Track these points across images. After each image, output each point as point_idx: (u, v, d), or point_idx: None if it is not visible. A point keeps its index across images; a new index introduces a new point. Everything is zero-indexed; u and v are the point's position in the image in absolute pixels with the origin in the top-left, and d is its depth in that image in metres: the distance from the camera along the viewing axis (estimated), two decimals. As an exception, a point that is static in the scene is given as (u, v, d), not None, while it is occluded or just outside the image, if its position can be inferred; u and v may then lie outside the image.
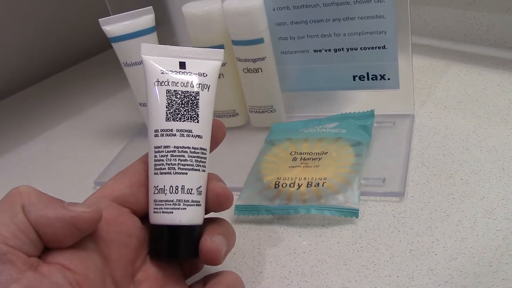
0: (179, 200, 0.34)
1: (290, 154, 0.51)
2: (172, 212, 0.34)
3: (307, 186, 0.46)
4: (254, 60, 0.54)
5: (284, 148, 0.52)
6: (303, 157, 0.50)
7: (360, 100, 0.59)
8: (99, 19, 0.55)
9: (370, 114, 0.54)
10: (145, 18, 0.56)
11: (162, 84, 0.36)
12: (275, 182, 0.47)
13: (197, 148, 0.35)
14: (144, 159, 0.37)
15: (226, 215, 0.47)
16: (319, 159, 0.49)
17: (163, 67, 0.37)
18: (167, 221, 0.34)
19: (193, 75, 0.37)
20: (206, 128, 0.36)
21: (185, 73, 0.37)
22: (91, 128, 0.69)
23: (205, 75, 0.37)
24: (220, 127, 0.38)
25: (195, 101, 0.36)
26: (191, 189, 0.35)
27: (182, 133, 0.35)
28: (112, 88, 0.76)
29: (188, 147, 0.35)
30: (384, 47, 0.52)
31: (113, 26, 0.55)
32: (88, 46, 0.90)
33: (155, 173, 0.35)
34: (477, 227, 0.41)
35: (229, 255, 0.38)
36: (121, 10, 0.56)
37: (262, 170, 0.49)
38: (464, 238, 0.40)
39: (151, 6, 0.56)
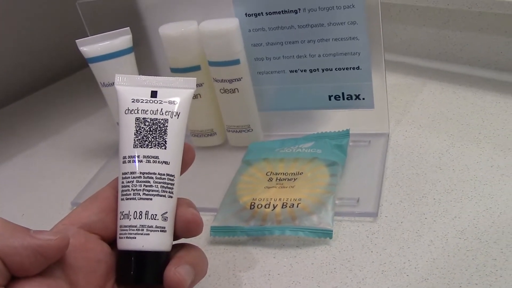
0: (142, 225, 0.35)
1: (266, 174, 0.51)
2: (135, 238, 0.34)
3: (282, 207, 0.46)
4: (230, 81, 0.54)
5: (260, 168, 0.52)
6: (278, 178, 0.50)
7: (336, 119, 0.59)
8: (76, 40, 0.55)
9: (345, 134, 0.55)
10: (123, 39, 0.56)
11: (132, 112, 0.37)
12: (251, 203, 0.47)
13: (164, 174, 0.36)
14: (113, 185, 0.37)
15: (201, 236, 0.47)
16: (295, 179, 0.49)
17: (134, 96, 0.37)
18: (131, 246, 0.34)
19: (163, 103, 0.37)
20: (175, 155, 0.37)
21: (156, 102, 0.37)
22: (70, 147, 0.68)
23: (175, 102, 0.37)
24: (189, 150, 0.38)
25: (163, 128, 0.37)
26: (155, 214, 0.35)
27: (149, 159, 0.36)
28: (91, 106, 0.76)
29: (154, 173, 0.36)
30: (358, 67, 0.53)
31: (90, 47, 0.56)
32: (67, 64, 0.90)
33: (121, 199, 0.36)
34: (448, 247, 0.42)
35: (204, 277, 0.38)
36: (99, 30, 0.56)
37: (238, 191, 0.50)
38: (435, 258, 0.41)
39: (128, 27, 0.56)
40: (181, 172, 0.38)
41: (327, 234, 0.44)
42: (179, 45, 0.54)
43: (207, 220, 0.49)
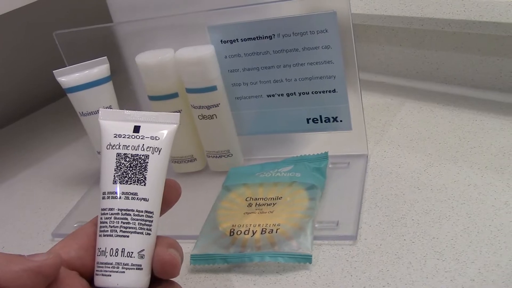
0: (118, 263, 0.34)
1: (246, 200, 0.51)
2: (111, 275, 0.34)
3: (262, 233, 0.46)
4: (208, 107, 0.55)
5: (240, 193, 0.52)
6: (258, 203, 0.50)
7: (315, 142, 0.60)
8: (53, 71, 0.55)
9: (324, 157, 0.55)
10: (100, 68, 0.56)
11: (114, 147, 0.37)
12: (230, 229, 0.47)
13: (142, 211, 0.36)
14: (95, 221, 0.37)
15: (183, 264, 0.47)
16: (274, 204, 0.50)
17: (117, 131, 0.37)
18: (106, 284, 0.34)
19: (145, 138, 0.37)
20: (154, 191, 0.36)
21: (138, 137, 0.37)
22: (51, 176, 0.68)
23: (157, 138, 0.37)
24: (174, 188, 0.38)
25: (144, 164, 0.36)
26: (132, 252, 0.35)
27: (127, 195, 0.36)
28: (71, 135, 0.76)
29: (132, 210, 0.35)
30: (334, 90, 0.54)
31: (68, 77, 0.56)
32: (45, 94, 0.90)
33: (99, 235, 0.35)
34: (427, 269, 0.42)
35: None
36: (76, 60, 0.56)
37: (218, 217, 0.50)
38: (414, 281, 0.41)
39: (105, 57, 0.57)
40: (164, 210, 0.38)
41: (306, 259, 0.44)
42: (156, 73, 0.55)
43: (188, 247, 0.49)
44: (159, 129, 0.38)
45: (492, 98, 0.64)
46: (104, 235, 0.35)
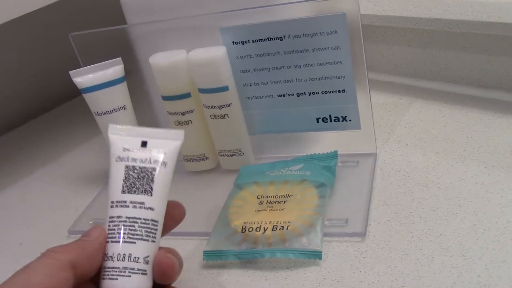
0: (124, 267, 0.36)
1: (257, 197, 0.52)
2: (117, 279, 0.36)
3: (273, 230, 0.47)
4: (220, 107, 0.56)
5: (251, 191, 0.53)
6: (269, 200, 0.51)
7: (325, 141, 0.61)
8: (69, 72, 0.57)
9: (334, 155, 0.56)
10: (115, 69, 0.58)
11: (122, 160, 0.39)
12: (242, 226, 0.49)
13: (148, 220, 0.38)
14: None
15: (195, 260, 0.48)
16: (284, 202, 0.51)
17: (125, 145, 0.39)
18: (113, 287, 0.36)
19: (152, 153, 0.39)
20: (160, 202, 0.39)
21: (145, 151, 0.39)
22: (65, 175, 0.70)
23: (164, 153, 0.40)
24: (178, 207, 0.41)
25: (151, 176, 0.39)
26: (138, 257, 0.37)
27: (135, 204, 0.38)
28: (85, 134, 0.77)
29: (139, 218, 0.37)
30: (343, 90, 0.55)
31: (83, 77, 0.57)
32: (60, 93, 0.92)
33: (107, 241, 0.37)
34: (434, 265, 0.43)
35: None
36: (92, 61, 0.58)
37: (230, 215, 0.51)
38: (421, 276, 0.42)
39: (120, 58, 0.58)
40: (170, 228, 0.40)
41: (316, 255, 0.45)
42: (169, 74, 0.56)
43: (201, 244, 0.50)
44: (165, 145, 0.40)
45: (499, 98, 0.65)
46: (112, 241, 0.37)
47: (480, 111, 0.63)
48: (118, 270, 0.36)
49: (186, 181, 0.61)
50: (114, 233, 0.37)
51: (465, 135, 0.59)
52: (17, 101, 0.89)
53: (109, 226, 0.38)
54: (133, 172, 0.38)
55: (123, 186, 0.38)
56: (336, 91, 0.55)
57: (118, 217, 0.37)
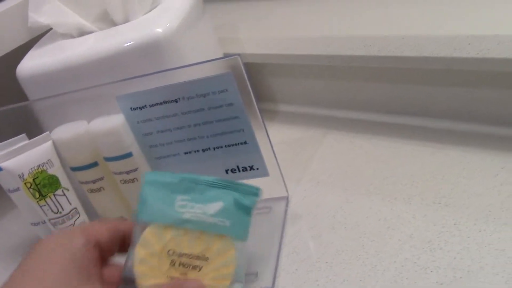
0: None
1: (168, 253, 0.50)
2: None
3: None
4: (128, 172, 0.57)
5: (160, 237, 0.48)
6: (182, 262, 0.51)
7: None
8: (-25, 153, 0.57)
9: (255, 193, 0.50)
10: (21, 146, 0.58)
11: None
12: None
13: None
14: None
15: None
16: (200, 268, 0.49)
17: None
18: None
19: None
20: None
21: None
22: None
23: None
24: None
25: None
26: None
27: None
28: (4, 208, 0.76)
29: None
30: (245, 142, 0.56)
31: (-12, 157, 0.57)
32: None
33: None
34: (336, 315, 0.44)
35: None
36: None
37: (137, 267, 0.47)
38: (323, 328, 0.43)
39: (24, 134, 0.58)
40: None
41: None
42: (73, 147, 0.56)
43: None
44: None
45: (403, 122, 0.67)
46: None
47: (388, 139, 0.64)
48: None
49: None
50: None
51: (372, 168, 0.60)
52: None
53: None
54: None
55: None
56: (238, 143, 0.56)
57: None
